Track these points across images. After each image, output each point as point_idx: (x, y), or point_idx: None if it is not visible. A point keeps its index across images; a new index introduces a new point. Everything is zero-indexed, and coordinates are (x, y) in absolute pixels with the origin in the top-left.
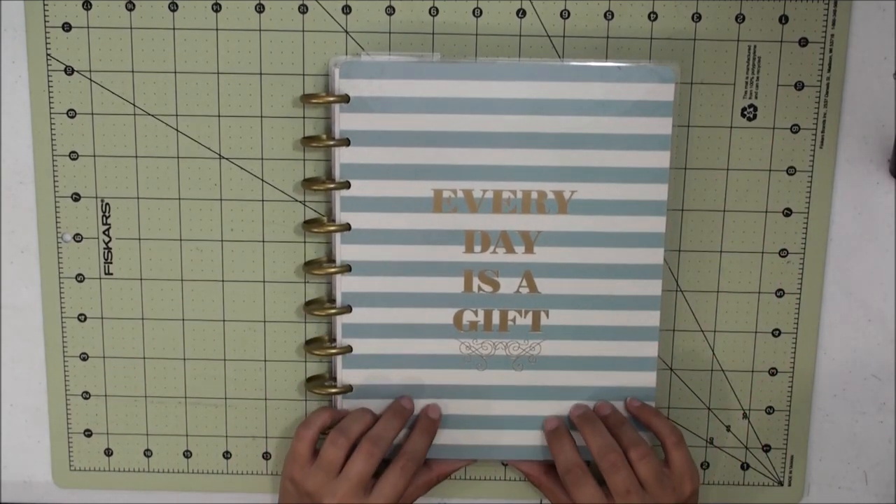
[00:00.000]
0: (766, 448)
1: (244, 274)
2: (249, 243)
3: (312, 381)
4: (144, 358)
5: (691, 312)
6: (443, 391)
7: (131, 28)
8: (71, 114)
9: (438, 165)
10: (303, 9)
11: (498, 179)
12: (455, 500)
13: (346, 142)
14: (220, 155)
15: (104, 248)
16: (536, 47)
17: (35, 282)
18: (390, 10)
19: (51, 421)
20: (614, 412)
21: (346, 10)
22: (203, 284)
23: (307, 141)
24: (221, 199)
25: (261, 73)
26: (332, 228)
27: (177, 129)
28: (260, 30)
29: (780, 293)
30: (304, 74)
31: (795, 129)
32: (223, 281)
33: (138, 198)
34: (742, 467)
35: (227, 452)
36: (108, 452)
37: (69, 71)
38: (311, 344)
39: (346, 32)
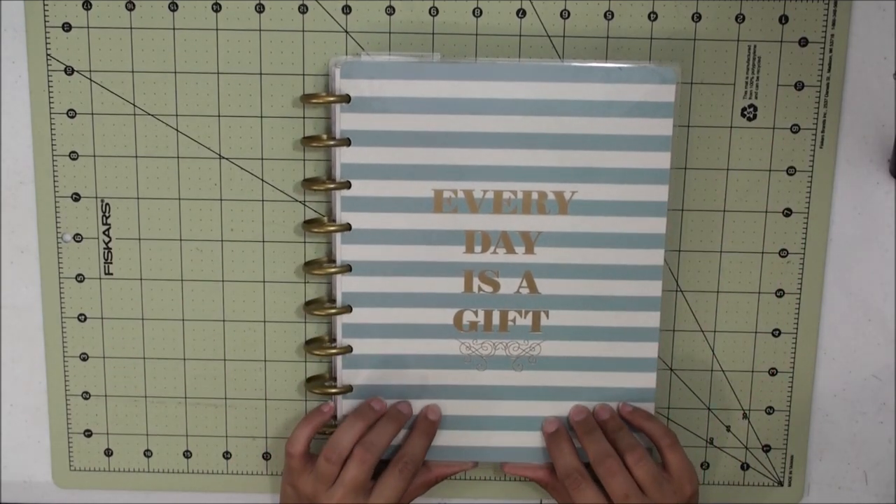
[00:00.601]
0: (766, 448)
1: (244, 274)
2: (249, 243)
3: (312, 381)
4: (144, 358)
5: (691, 312)
6: (442, 391)
7: (131, 28)
8: (71, 114)
9: (439, 166)
10: (303, 9)
11: (498, 180)
12: (455, 500)
13: (346, 142)
14: (220, 155)
15: (104, 249)
16: (536, 47)
17: (35, 282)
18: (390, 10)
19: (51, 421)
20: (612, 417)
21: (346, 10)
22: (203, 284)
23: (307, 141)
24: (221, 199)
25: (261, 73)
26: (333, 228)
27: (177, 129)
28: (260, 30)
29: (780, 293)
30: (304, 74)
31: (795, 129)
32: (223, 281)
33: (138, 198)
34: (742, 467)
35: (227, 452)
36: (108, 452)
37: (69, 71)
38: (311, 344)
39: (346, 32)
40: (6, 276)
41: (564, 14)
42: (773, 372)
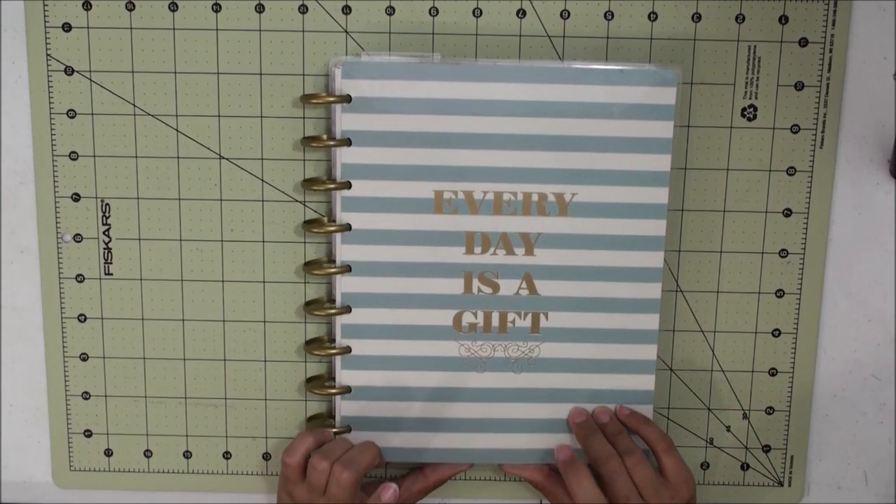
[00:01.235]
0: (766, 448)
1: (244, 274)
2: (249, 243)
3: (312, 382)
4: (144, 358)
5: (691, 313)
6: (441, 393)
7: (131, 28)
8: (71, 114)
9: (439, 166)
10: (303, 9)
11: (499, 181)
12: (455, 500)
13: (347, 142)
14: (220, 155)
15: (104, 249)
16: (536, 48)
17: (35, 282)
18: (390, 11)
19: (51, 421)
20: (611, 421)
21: (346, 10)
22: (203, 284)
23: (308, 141)
24: (221, 199)
25: (261, 73)
26: (333, 229)
27: (177, 129)
28: (260, 30)
29: (780, 293)
30: (304, 74)
31: (795, 129)
32: (223, 281)
33: (138, 198)
34: (742, 468)
35: (226, 453)
36: (108, 453)
37: (69, 71)
38: (310, 344)
39: (346, 32)
40: (6, 276)
41: (564, 14)
42: (773, 372)
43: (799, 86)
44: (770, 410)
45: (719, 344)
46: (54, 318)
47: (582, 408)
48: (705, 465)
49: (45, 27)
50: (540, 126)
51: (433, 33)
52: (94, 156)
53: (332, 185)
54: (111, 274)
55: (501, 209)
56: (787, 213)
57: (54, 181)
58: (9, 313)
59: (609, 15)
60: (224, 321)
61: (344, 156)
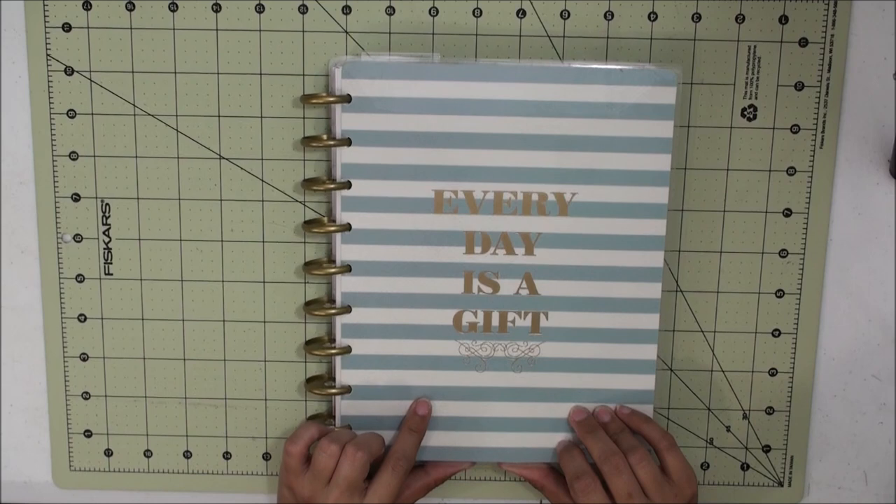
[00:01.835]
0: (766, 448)
1: (244, 274)
2: (249, 243)
3: (312, 382)
4: (144, 358)
5: (691, 313)
6: (441, 392)
7: (131, 28)
8: (71, 114)
9: (439, 166)
10: (303, 9)
11: (499, 181)
12: (455, 500)
13: (347, 142)
14: (220, 155)
15: (104, 249)
16: (536, 48)
17: (35, 282)
18: (390, 11)
19: (51, 421)
20: (613, 419)
21: (346, 10)
22: (203, 284)
23: (308, 141)
24: (221, 200)
25: (261, 73)
26: (333, 228)
27: (177, 129)
28: (260, 30)
29: (780, 293)
30: (304, 74)
31: (795, 129)
32: (223, 281)
33: (138, 198)
34: (742, 468)
35: (226, 453)
36: (108, 453)
37: (69, 71)
38: (310, 344)
39: (346, 32)
40: (6, 276)
41: (564, 14)
42: (773, 372)
43: (799, 86)
44: (770, 410)
45: (719, 344)
46: (54, 319)
47: (582, 406)
48: (705, 466)
49: (45, 27)
50: (540, 126)
51: (433, 33)
52: (94, 156)
53: (332, 185)
54: (111, 274)
55: (501, 209)
56: (787, 213)
57: (54, 181)
58: (9, 313)
59: (609, 15)
60: (224, 321)
61: (344, 156)
